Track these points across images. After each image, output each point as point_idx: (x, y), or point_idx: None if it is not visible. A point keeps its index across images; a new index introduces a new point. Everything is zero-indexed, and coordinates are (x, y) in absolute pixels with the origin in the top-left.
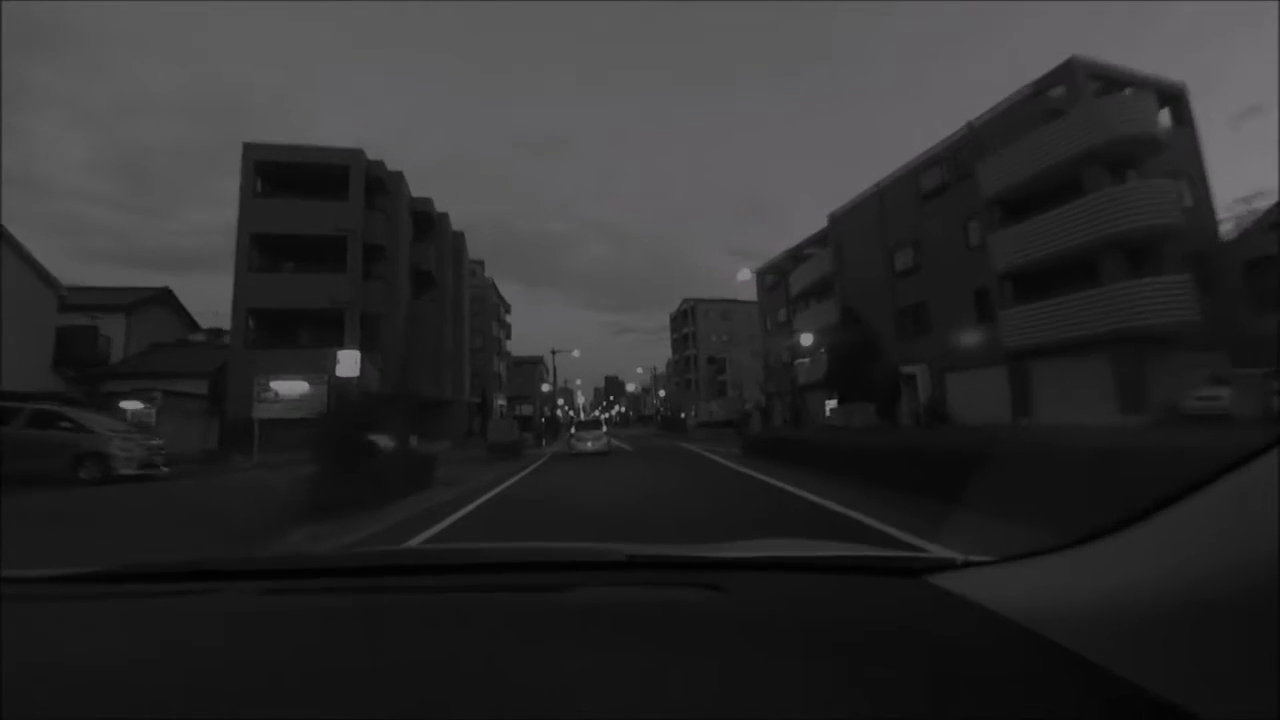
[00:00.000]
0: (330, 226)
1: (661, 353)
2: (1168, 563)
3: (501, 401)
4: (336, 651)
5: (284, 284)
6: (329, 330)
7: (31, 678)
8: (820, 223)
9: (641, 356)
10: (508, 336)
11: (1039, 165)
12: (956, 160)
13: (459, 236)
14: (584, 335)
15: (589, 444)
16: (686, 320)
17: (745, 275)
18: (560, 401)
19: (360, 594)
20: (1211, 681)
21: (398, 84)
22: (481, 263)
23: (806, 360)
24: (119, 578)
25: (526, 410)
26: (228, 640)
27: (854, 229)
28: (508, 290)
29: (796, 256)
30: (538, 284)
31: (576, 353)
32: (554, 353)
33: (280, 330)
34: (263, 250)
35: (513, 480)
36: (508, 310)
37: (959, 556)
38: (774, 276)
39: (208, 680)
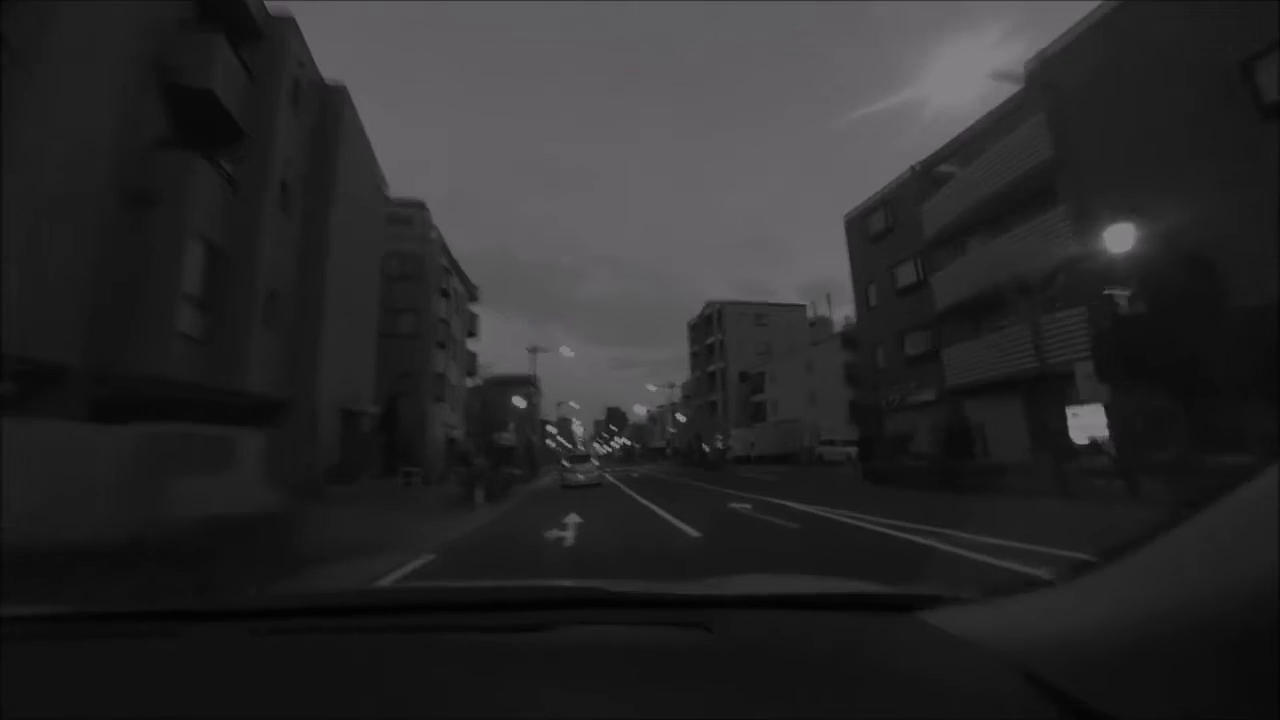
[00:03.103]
0: None
1: (662, 391)
2: (1154, 596)
3: (454, 430)
4: (315, 694)
5: None
6: None
7: None
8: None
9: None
10: (472, 334)
11: None
12: None
13: (335, 96)
14: (585, 369)
15: (580, 476)
16: (710, 328)
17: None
18: (552, 429)
19: (340, 635)
20: (1204, 711)
21: (403, 116)
22: (421, 205)
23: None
24: (87, 618)
25: (507, 439)
26: (204, 682)
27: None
28: (512, 324)
29: (927, 175)
30: (541, 316)
31: (575, 404)
32: (534, 351)
33: None
34: None
35: None
36: (472, 297)
37: (947, 593)
38: (885, 218)
39: None
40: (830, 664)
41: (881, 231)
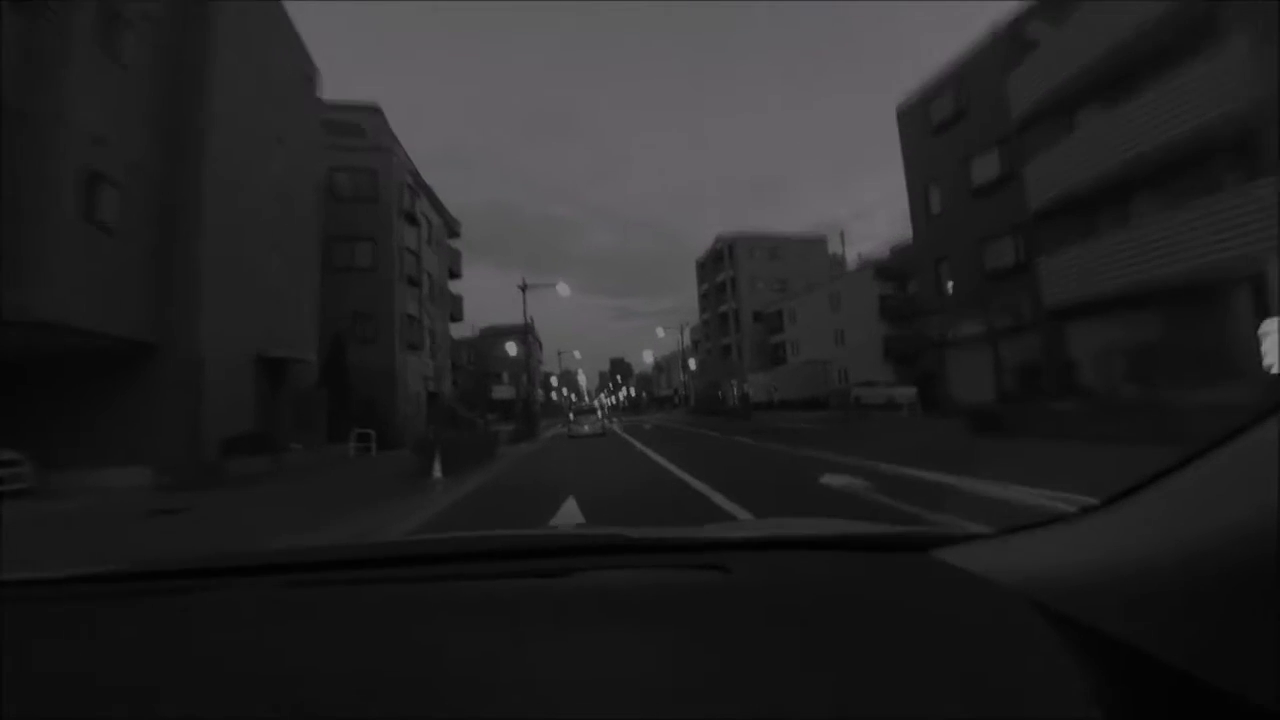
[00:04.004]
0: None
1: (669, 340)
2: (1170, 530)
3: (435, 383)
4: (348, 646)
5: None
6: None
7: (37, 684)
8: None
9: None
10: (455, 274)
11: None
12: None
13: None
14: (587, 320)
15: (585, 427)
16: (721, 264)
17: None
18: (553, 381)
19: (365, 586)
20: (1217, 646)
21: (397, 66)
22: (375, 109)
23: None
24: (126, 578)
25: (504, 393)
26: (243, 638)
27: None
28: (512, 278)
29: (1013, 40)
30: (541, 269)
31: (577, 354)
32: (524, 286)
33: None
34: None
35: None
36: (453, 232)
37: (960, 530)
38: (954, 100)
39: (222, 680)
40: (845, 602)
41: (949, 118)
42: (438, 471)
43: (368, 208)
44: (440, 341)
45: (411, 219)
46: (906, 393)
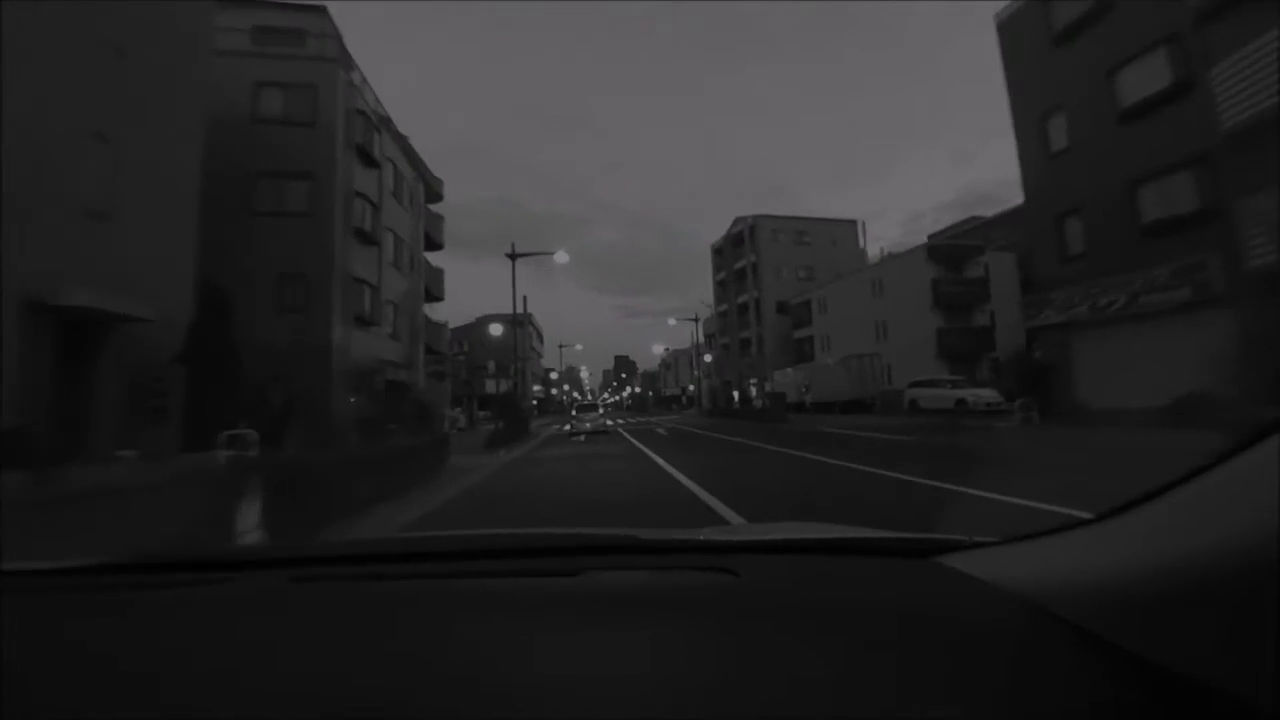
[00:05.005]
0: None
1: (677, 335)
2: (1176, 541)
3: (400, 370)
4: (355, 641)
5: None
6: None
7: (37, 675)
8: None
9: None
10: (435, 244)
11: None
12: None
13: None
14: (593, 319)
15: (587, 424)
16: (741, 249)
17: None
18: (552, 376)
19: (373, 581)
20: (1219, 651)
21: (411, 60)
22: (320, 9)
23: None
24: (127, 569)
25: (492, 389)
26: (244, 632)
27: None
28: (519, 273)
29: None
30: (547, 265)
31: (580, 346)
32: (514, 255)
33: None
34: None
35: None
36: (434, 193)
37: (967, 537)
38: None
39: (221, 675)
40: (850, 606)
41: (1083, 18)
42: (250, 520)
43: (303, 134)
44: (409, 321)
45: (368, 158)
46: (984, 395)
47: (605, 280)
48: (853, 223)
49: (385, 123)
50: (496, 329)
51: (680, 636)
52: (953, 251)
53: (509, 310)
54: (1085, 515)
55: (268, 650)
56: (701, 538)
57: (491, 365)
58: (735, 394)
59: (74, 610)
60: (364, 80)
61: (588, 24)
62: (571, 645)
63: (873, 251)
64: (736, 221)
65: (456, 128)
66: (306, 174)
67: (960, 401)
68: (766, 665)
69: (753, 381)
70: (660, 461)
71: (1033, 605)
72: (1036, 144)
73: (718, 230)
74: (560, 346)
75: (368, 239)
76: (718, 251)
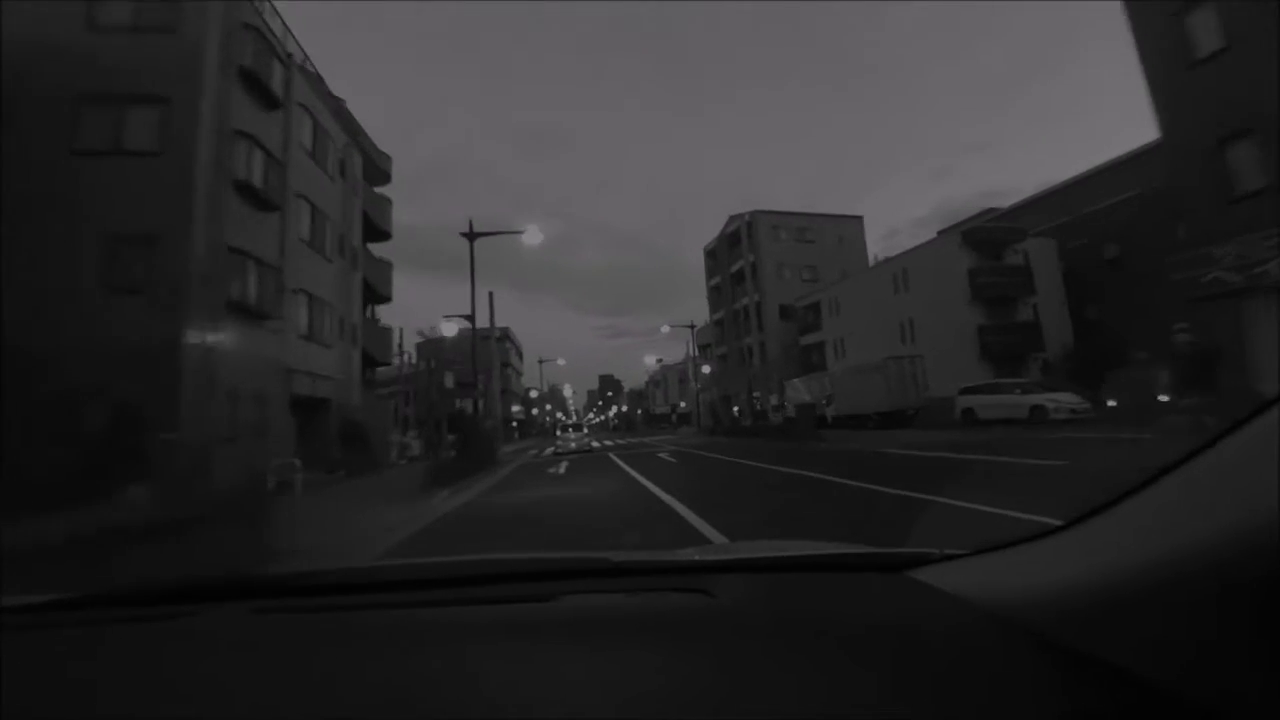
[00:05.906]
0: None
1: (666, 353)
2: (1137, 547)
3: (327, 379)
4: (325, 672)
5: None
6: None
7: (13, 712)
8: None
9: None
10: (380, 231)
11: None
12: None
13: None
14: (576, 339)
15: (571, 444)
16: (737, 249)
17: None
18: (533, 395)
19: (346, 611)
20: (1187, 658)
21: (390, 80)
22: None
23: None
24: (104, 602)
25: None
26: (216, 664)
27: None
28: (503, 292)
29: None
30: (531, 286)
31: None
32: (471, 235)
33: None
34: None
35: None
36: (378, 170)
37: (937, 550)
38: None
39: (196, 707)
40: (824, 622)
41: None
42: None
43: (158, 44)
44: (338, 322)
45: (265, 92)
46: (1066, 400)
47: (586, 299)
48: (858, 219)
49: (299, 66)
50: (450, 329)
51: (656, 659)
52: (993, 234)
53: (489, 327)
54: (1055, 522)
55: (228, 688)
56: (675, 558)
57: (450, 379)
58: (735, 409)
59: (51, 646)
60: (273, 8)
61: (574, 47)
62: (546, 672)
63: (872, 253)
64: (732, 219)
65: (440, 146)
66: (156, 98)
67: (1037, 409)
68: (742, 685)
69: (756, 395)
70: (692, 518)
71: (1001, 617)
72: (1169, 50)
73: (700, 244)
74: (540, 361)
75: (261, 201)
76: (711, 254)
